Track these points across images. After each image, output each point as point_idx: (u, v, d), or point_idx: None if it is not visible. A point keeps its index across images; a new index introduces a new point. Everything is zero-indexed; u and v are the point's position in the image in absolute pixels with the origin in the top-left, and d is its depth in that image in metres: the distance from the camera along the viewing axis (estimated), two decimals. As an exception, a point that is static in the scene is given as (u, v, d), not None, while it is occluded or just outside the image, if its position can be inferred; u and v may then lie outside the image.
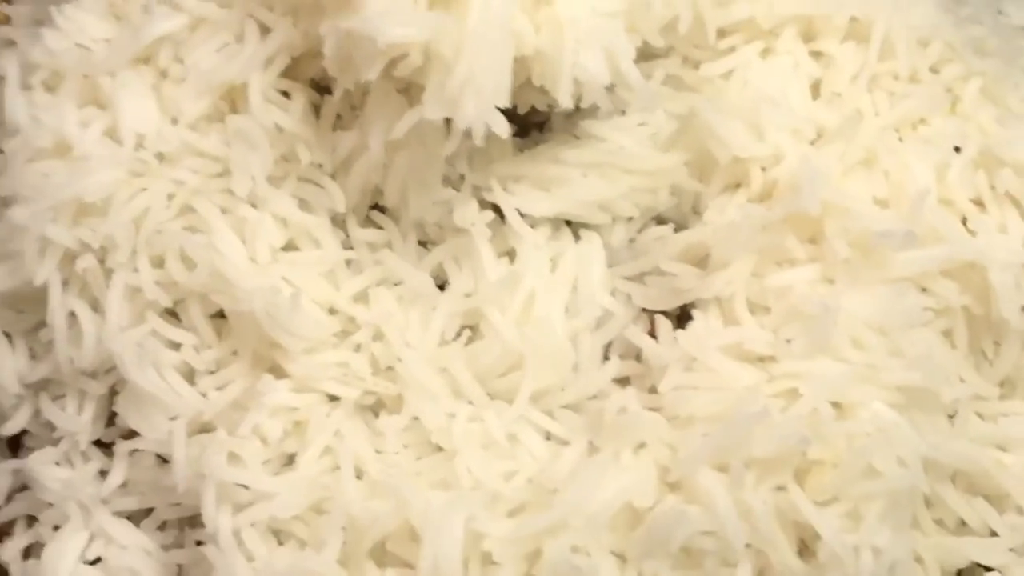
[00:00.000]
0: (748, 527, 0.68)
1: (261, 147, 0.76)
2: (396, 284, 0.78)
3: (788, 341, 0.72)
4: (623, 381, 0.77)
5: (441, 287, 0.78)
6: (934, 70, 0.82)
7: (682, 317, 0.78)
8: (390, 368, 0.75)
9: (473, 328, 0.77)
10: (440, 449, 0.74)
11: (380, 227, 0.80)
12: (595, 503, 0.69)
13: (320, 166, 0.78)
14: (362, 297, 0.77)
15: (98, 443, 0.79)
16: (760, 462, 0.68)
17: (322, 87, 0.79)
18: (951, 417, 0.75)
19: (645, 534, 0.69)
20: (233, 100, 0.78)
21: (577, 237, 0.80)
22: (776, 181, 0.77)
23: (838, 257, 0.73)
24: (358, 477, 0.72)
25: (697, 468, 0.69)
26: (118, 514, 0.78)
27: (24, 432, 0.81)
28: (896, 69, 0.82)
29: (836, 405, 0.70)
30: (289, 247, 0.77)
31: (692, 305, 0.77)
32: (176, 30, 0.78)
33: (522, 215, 0.78)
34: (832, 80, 0.82)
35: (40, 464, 0.78)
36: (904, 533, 0.70)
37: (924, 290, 0.74)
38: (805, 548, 0.70)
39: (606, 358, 0.77)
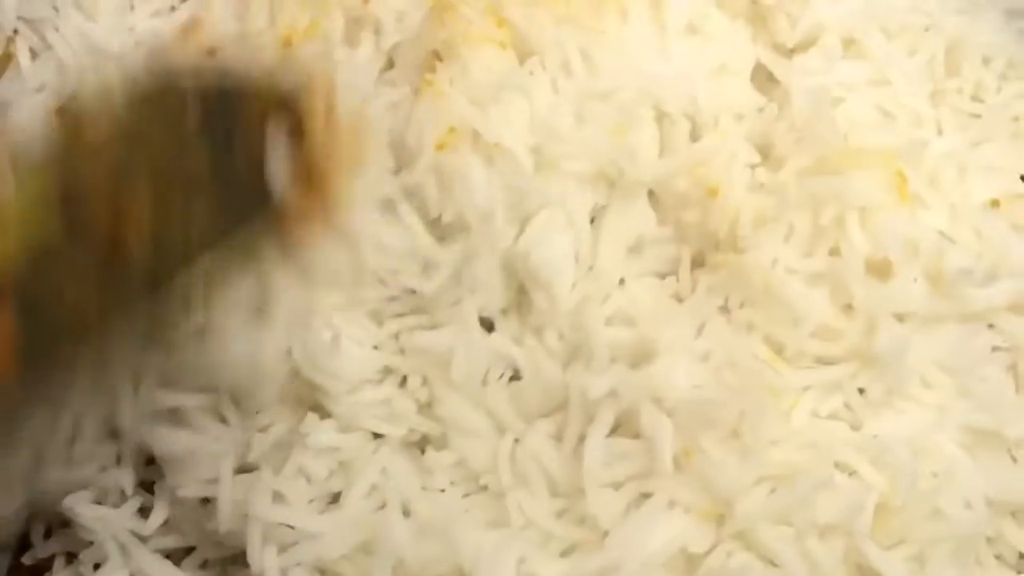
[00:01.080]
0: (812, 571, 0.67)
1: None
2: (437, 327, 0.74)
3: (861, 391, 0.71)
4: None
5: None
6: (997, 88, 0.80)
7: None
8: (433, 406, 0.73)
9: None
10: (487, 488, 0.72)
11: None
12: (649, 546, 0.67)
13: None
14: (404, 336, 0.74)
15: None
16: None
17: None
18: (1012, 454, 0.73)
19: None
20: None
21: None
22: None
23: (909, 293, 0.71)
24: (405, 515, 0.71)
25: (756, 524, 0.67)
26: (159, 552, 0.76)
27: (63, 468, 0.79)
28: (961, 86, 0.79)
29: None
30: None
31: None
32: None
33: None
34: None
35: (79, 501, 0.76)
36: (968, 573, 0.69)
37: (990, 326, 0.73)
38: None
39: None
